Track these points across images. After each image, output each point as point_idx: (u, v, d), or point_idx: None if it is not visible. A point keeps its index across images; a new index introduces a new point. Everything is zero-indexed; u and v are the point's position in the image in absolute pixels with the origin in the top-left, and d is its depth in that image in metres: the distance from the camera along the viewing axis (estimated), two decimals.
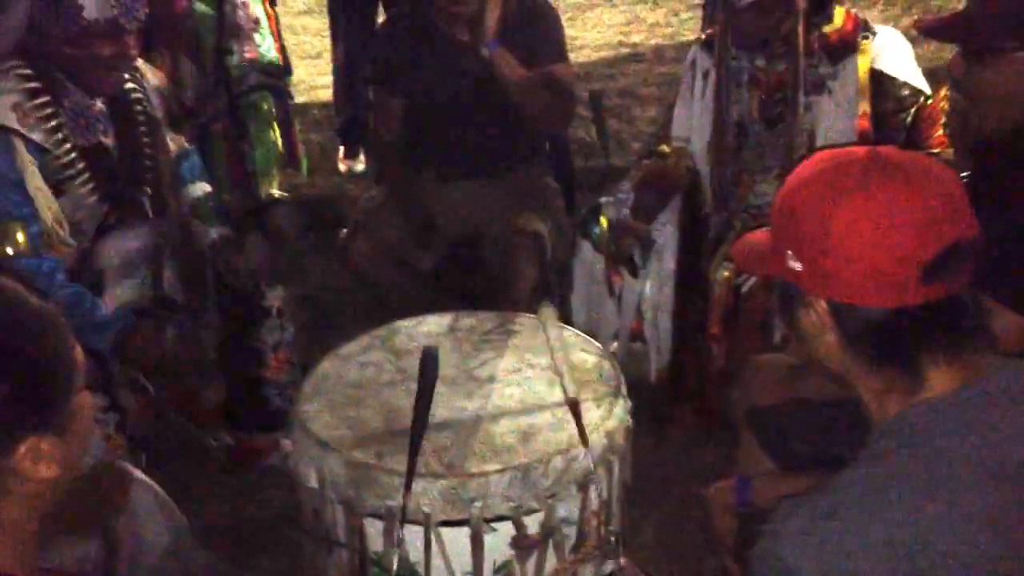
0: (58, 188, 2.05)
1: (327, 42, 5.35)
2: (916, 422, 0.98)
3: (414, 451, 1.48)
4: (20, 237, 1.99)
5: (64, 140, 2.04)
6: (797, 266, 1.02)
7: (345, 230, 2.61)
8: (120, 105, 2.17)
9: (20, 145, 1.99)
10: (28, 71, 2.01)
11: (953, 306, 0.98)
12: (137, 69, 2.24)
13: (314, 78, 4.85)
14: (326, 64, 5.14)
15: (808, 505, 0.96)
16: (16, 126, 1.98)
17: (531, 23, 2.53)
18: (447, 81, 2.54)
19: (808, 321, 1.04)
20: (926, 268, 0.95)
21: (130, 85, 2.19)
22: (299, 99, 3.92)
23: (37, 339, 0.96)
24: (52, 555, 1.26)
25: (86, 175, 2.08)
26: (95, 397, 1.99)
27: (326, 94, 4.83)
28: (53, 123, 2.03)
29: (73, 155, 2.06)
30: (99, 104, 2.13)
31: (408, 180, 2.63)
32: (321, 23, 5.32)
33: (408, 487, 1.49)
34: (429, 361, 1.51)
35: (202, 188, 2.40)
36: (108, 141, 2.14)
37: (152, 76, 2.31)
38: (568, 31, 2.95)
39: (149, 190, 2.22)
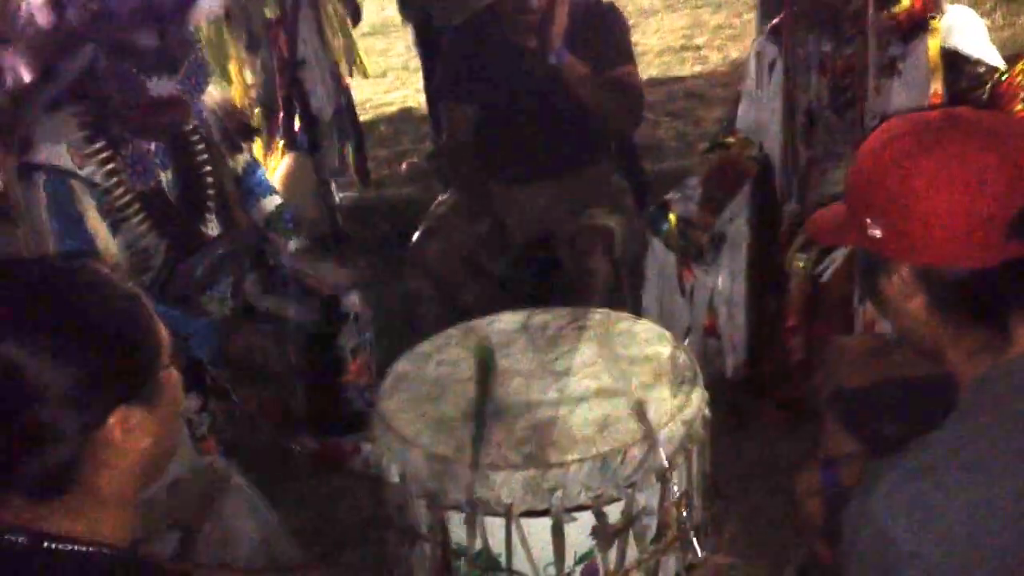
0: (114, 226, 2.10)
1: (391, 61, 5.49)
2: (1004, 380, 0.96)
3: (478, 442, 1.51)
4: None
5: (120, 183, 2.09)
6: (877, 233, 1.01)
7: (417, 235, 2.65)
8: (177, 140, 2.21)
9: (77, 185, 2.04)
10: (86, 117, 2.06)
11: None
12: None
13: (380, 96, 4.95)
14: (390, 83, 5.28)
15: (899, 465, 0.95)
16: (72, 167, 2.03)
17: (598, 28, 2.55)
18: (515, 89, 2.57)
19: (892, 288, 1.02)
20: (1010, 225, 0.93)
21: (189, 121, 2.21)
22: (365, 117, 4.02)
23: (124, 315, 1.02)
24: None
25: (142, 215, 2.13)
26: (189, 398, 2.08)
27: (391, 110, 4.94)
28: (110, 166, 2.08)
29: (129, 197, 2.11)
30: (155, 144, 2.16)
31: (478, 184, 2.66)
32: (385, 43, 5.45)
33: (476, 462, 1.50)
34: (485, 352, 1.55)
35: (273, 202, 2.45)
36: (166, 177, 2.19)
37: (209, 98, 2.34)
38: (632, 37, 2.96)
39: (212, 215, 2.27)
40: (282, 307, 2.33)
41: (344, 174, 3.67)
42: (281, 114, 3.43)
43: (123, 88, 2.03)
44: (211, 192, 2.27)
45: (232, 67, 3.24)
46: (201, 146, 2.26)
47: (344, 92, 3.57)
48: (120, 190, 2.10)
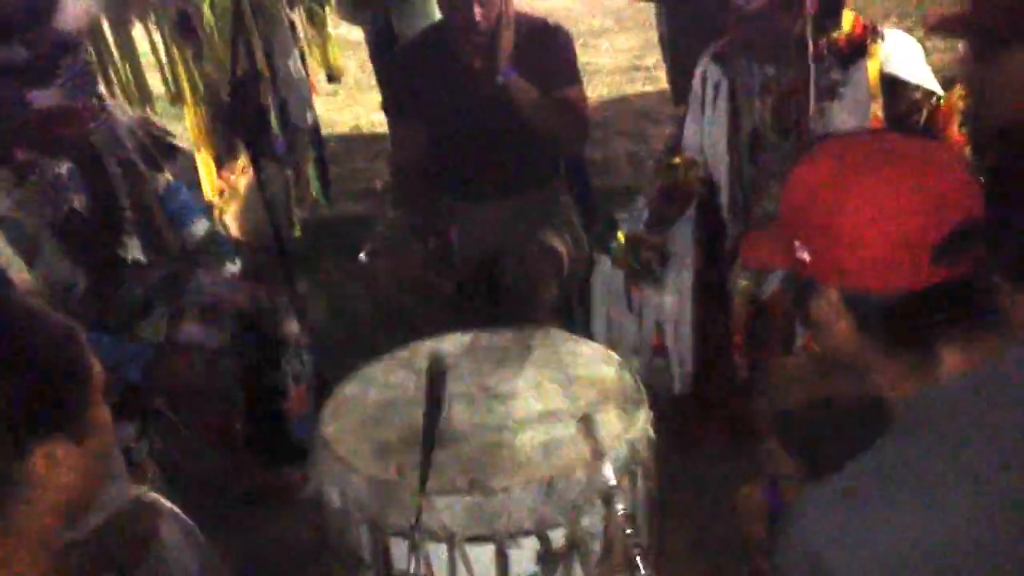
0: (30, 257, 2.05)
1: (345, 78, 5.47)
2: (932, 404, 0.97)
3: (427, 447, 1.49)
4: None
5: (30, 213, 2.04)
6: (806, 256, 1.02)
7: (364, 254, 2.63)
8: (90, 159, 2.15)
9: None
10: None
11: (964, 288, 0.97)
12: (105, 111, 2.20)
13: (331, 113, 4.93)
14: (342, 101, 5.25)
15: (829, 488, 0.96)
16: None
17: (544, 49, 2.55)
18: (463, 107, 2.56)
19: (821, 311, 1.03)
20: (935, 251, 0.94)
21: (97, 136, 2.15)
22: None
23: (54, 348, 0.98)
24: None
25: (54, 242, 2.08)
26: (127, 426, 2.03)
27: (343, 128, 4.91)
28: (18, 196, 2.03)
29: (40, 226, 2.06)
30: (66, 166, 2.10)
31: (426, 203, 2.65)
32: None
33: (423, 486, 1.49)
34: (436, 375, 1.53)
35: (202, 227, 2.38)
36: (79, 203, 2.12)
37: (123, 116, 2.29)
38: (581, 57, 2.98)
39: (133, 239, 2.20)
40: (219, 333, 2.28)
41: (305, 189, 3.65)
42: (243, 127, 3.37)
43: (6, 106, 1.97)
44: (128, 214, 2.21)
45: (184, 84, 3.19)
46: (116, 169, 2.19)
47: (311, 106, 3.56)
48: (31, 220, 2.05)
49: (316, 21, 3.49)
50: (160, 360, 2.12)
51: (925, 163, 0.98)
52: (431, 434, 1.62)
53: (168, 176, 2.35)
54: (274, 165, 3.36)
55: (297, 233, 3.56)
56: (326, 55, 3.55)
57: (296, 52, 3.33)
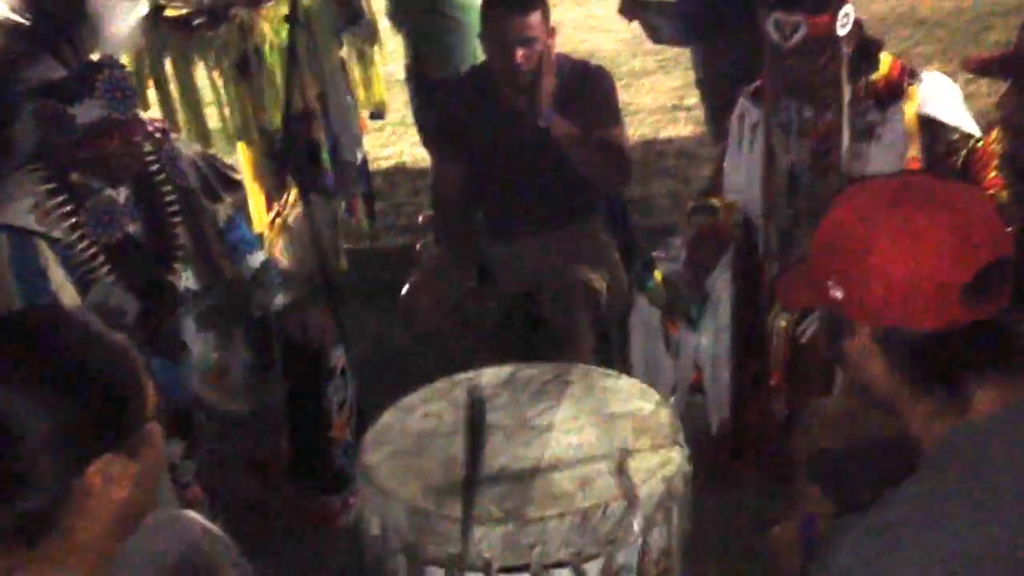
0: (83, 281, 2.12)
1: (390, 115, 5.58)
2: (963, 442, 0.98)
3: (469, 495, 1.51)
4: None
5: (84, 236, 2.11)
6: (838, 295, 1.04)
7: (407, 287, 2.68)
8: (146, 187, 2.22)
9: (42, 245, 2.07)
10: (46, 173, 2.09)
11: (995, 327, 0.99)
12: (168, 143, 2.28)
13: (376, 149, 5.03)
14: (387, 137, 5.36)
15: (862, 522, 0.97)
16: (35, 226, 2.06)
17: (586, 90, 2.60)
18: (505, 147, 2.62)
19: (853, 350, 1.05)
20: (965, 289, 0.96)
21: (155, 166, 2.23)
22: None
23: (111, 365, 1.03)
24: None
25: (108, 267, 2.14)
26: (174, 444, 2.08)
27: (387, 164, 5.02)
28: (73, 220, 2.10)
29: (94, 249, 2.12)
30: (124, 193, 2.18)
31: (467, 237, 2.70)
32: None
33: (465, 534, 1.51)
34: (477, 404, 1.56)
35: (259, 258, 2.45)
36: (134, 229, 2.19)
37: (187, 149, 2.36)
38: (623, 97, 3.03)
39: (186, 266, 2.26)
40: (267, 361, 2.34)
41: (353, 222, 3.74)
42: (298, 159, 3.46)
43: (55, 125, 2.03)
44: (182, 241, 2.26)
45: (240, 122, 3.28)
46: (172, 195, 2.25)
47: (359, 142, 3.66)
48: (83, 243, 2.11)
49: (364, 60, 3.61)
50: (212, 390, 2.17)
51: (956, 203, 1.01)
52: (474, 469, 1.64)
53: (229, 208, 2.41)
54: (323, 199, 3.45)
55: (344, 265, 3.64)
56: (372, 92, 3.65)
57: (345, 89, 3.44)
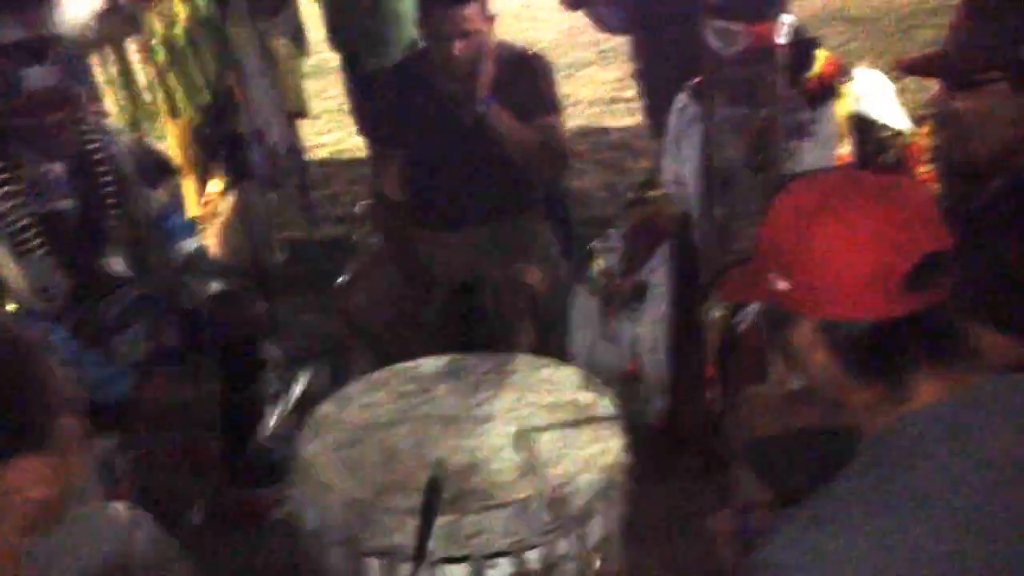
0: (16, 252, 2.07)
1: (326, 103, 5.51)
2: (903, 432, 1.00)
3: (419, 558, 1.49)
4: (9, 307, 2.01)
5: (17, 207, 2.06)
6: (781, 287, 1.05)
7: (342, 279, 2.64)
8: (83, 166, 2.17)
9: None
10: None
11: (935, 318, 1.01)
12: (105, 128, 2.25)
13: (313, 138, 4.95)
14: (324, 125, 5.28)
15: (798, 514, 0.98)
16: None
17: (524, 78, 2.59)
18: (442, 135, 2.60)
19: (796, 341, 1.07)
20: (905, 280, 0.98)
21: (93, 145, 2.19)
22: None
23: (13, 365, 0.99)
24: None
25: (39, 240, 2.09)
26: (107, 439, 2.02)
27: (323, 152, 4.95)
28: (5, 189, 2.05)
29: (26, 221, 2.07)
30: (58, 168, 2.13)
31: (404, 229, 2.67)
32: (320, 85, 5.47)
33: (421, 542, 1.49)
34: (434, 484, 1.54)
35: (192, 244, 2.40)
36: (67, 205, 2.14)
37: (125, 136, 2.32)
38: (563, 88, 3.03)
39: (117, 250, 2.22)
40: (198, 353, 2.29)
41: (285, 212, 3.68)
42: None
43: (1, 84, 1.98)
44: (115, 225, 2.23)
45: (180, 99, 3.22)
46: (108, 176, 2.21)
47: (293, 130, 3.59)
48: (17, 213, 2.06)
49: (285, 65, 3.55)
50: (143, 382, 2.11)
51: (895, 196, 1.03)
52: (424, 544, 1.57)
53: (164, 196, 2.37)
54: (256, 188, 3.40)
55: (279, 256, 3.58)
56: (291, 92, 3.60)
57: (268, 81, 3.38)
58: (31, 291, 2.07)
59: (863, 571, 0.93)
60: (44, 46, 2.00)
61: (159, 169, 2.37)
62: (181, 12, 3.08)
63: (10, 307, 2.02)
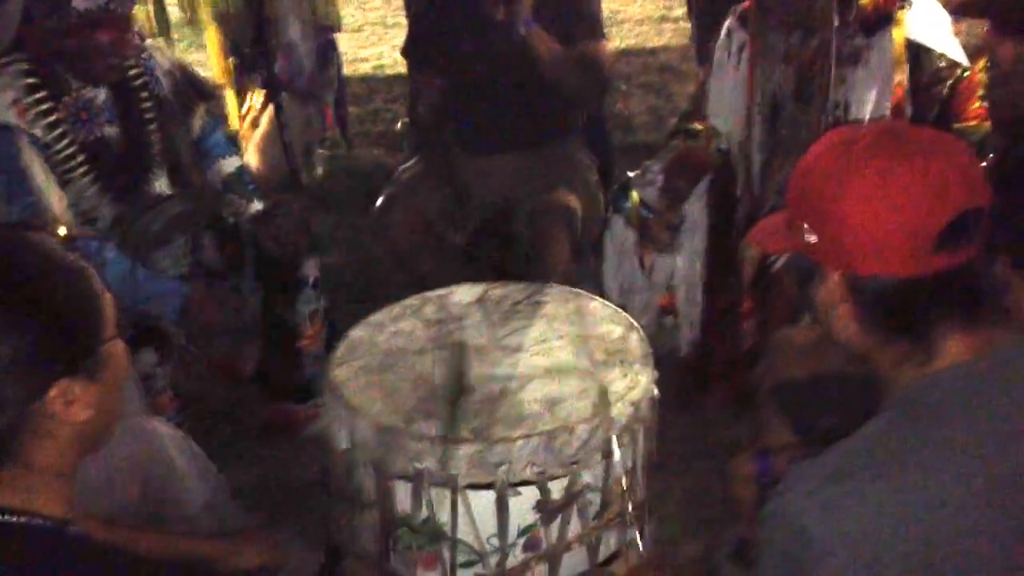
0: (62, 180, 2.08)
1: (368, 15, 5.42)
2: (928, 391, 1.00)
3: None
4: (61, 231, 2.04)
5: (63, 135, 2.06)
6: (812, 239, 1.04)
7: (381, 201, 2.65)
8: (125, 91, 2.17)
9: (24, 142, 2.01)
10: (27, 66, 2.03)
11: (965, 276, 0.99)
12: (145, 51, 2.23)
13: (354, 51, 4.89)
14: (366, 38, 5.21)
15: (817, 467, 0.99)
16: (17, 122, 2.00)
17: (567, 1, 2.54)
18: (483, 57, 2.56)
19: (823, 294, 1.06)
20: (937, 238, 0.96)
21: (135, 71, 2.19)
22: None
23: (66, 288, 1.01)
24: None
25: (85, 167, 2.10)
26: (147, 353, 2.08)
27: (366, 67, 4.89)
28: (52, 118, 2.05)
29: (72, 149, 2.08)
30: (102, 94, 2.13)
31: (443, 153, 2.66)
32: None
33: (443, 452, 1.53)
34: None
35: (233, 163, 2.41)
36: (112, 131, 2.15)
37: (163, 58, 2.31)
38: (611, 4, 2.95)
39: (160, 174, 2.23)
40: (238, 270, 2.32)
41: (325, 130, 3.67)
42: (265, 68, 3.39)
43: (51, 4, 1.96)
44: (157, 148, 2.23)
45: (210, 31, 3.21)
46: (149, 102, 2.22)
47: (332, 45, 3.55)
48: (63, 143, 2.07)
49: None
50: (185, 294, 2.15)
51: (930, 151, 1.00)
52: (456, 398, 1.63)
53: (204, 116, 2.38)
54: (295, 102, 3.38)
55: (319, 173, 3.58)
56: (322, 5, 3.55)
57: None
58: (78, 218, 2.10)
59: (877, 526, 0.94)
60: None
61: (198, 91, 2.37)
62: None
63: (61, 230, 2.05)
